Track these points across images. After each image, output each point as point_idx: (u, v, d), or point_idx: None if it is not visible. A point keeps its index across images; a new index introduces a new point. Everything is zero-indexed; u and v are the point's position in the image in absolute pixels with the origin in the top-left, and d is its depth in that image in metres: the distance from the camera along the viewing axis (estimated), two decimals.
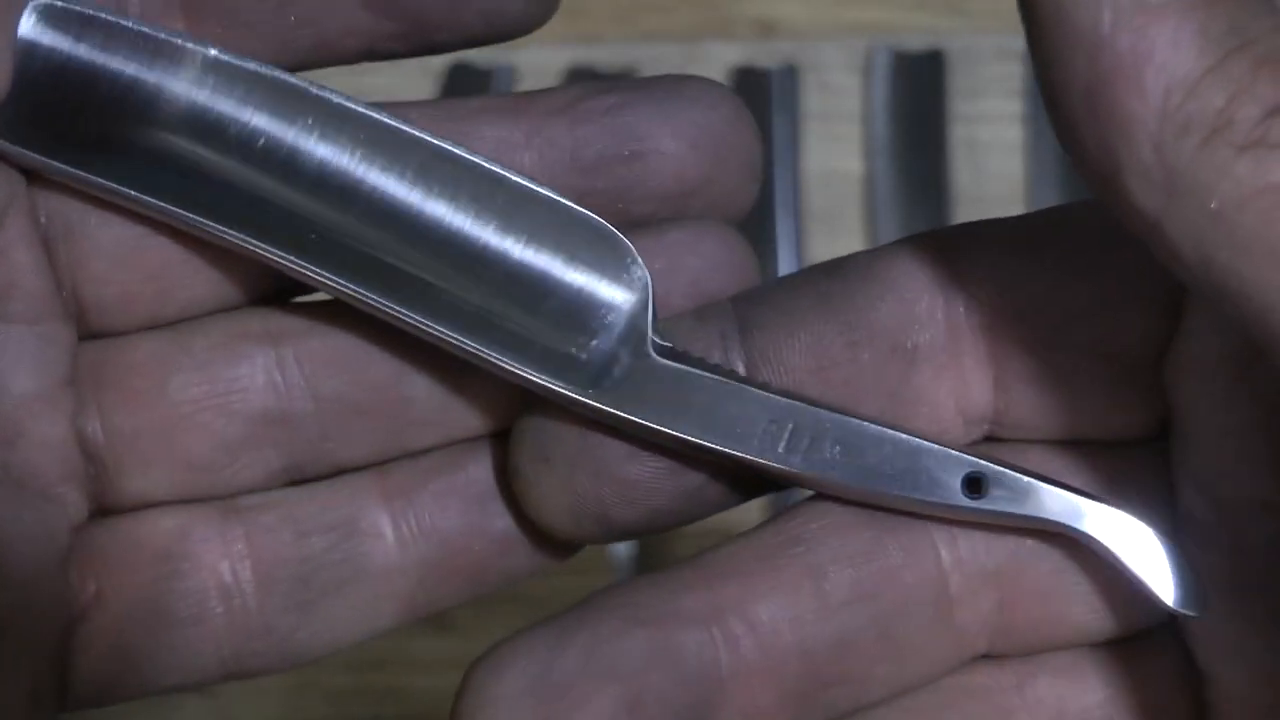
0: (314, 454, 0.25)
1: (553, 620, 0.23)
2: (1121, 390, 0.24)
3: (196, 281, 0.25)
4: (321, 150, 0.24)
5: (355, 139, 0.24)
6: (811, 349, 0.24)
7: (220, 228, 0.24)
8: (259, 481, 0.25)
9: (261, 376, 0.25)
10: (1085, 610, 0.24)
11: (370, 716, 0.52)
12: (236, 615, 0.25)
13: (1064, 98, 0.19)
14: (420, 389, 0.25)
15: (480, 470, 0.25)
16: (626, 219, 0.25)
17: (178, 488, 0.25)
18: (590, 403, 0.23)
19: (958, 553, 0.24)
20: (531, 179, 0.24)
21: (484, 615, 0.54)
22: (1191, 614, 0.23)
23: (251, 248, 0.24)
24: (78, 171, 0.24)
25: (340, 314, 0.25)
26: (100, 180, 0.24)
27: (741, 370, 0.24)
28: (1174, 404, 0.24)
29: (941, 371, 0.24)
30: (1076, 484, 0.24)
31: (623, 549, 0.51)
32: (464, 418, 0.25)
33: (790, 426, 0.23)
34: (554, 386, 0.24)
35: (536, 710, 0.22)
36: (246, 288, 0.25)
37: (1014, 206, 0.56)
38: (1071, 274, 0.23)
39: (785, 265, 0.55)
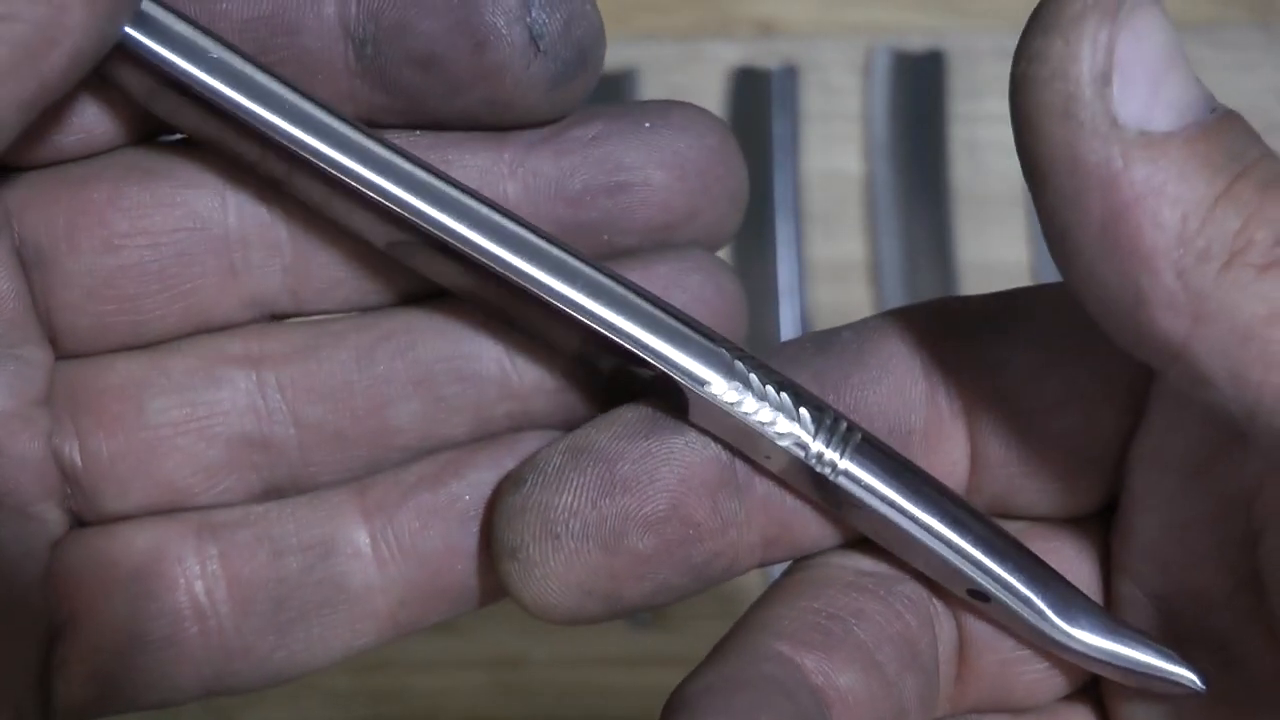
0: (295, 476, 0.25)
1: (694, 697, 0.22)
2: (1082, 474, 0.24)
3: (171, 312, 0.25)
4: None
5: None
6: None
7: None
8: (238, 502, 0.25)
9: (242, 400, 0.25)
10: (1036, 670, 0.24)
11: (370, 716, 0.52)
12: (213, 636, 0.24)
13: (1079, 236, 0.20)
14: (405, 416, 0.25)
15: (463, 487, 0.25)
16: (611, 250, 0.25)
17: (156, 509, 0.25)
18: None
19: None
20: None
21: (484, 616, 0.54)
22: (1202, 688, 0.23)
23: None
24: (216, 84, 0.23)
25: (322, 337, 0.25)
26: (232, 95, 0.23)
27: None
28: (1129, 490, 0.24)
29: (929, 452, 0.24)
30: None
31: None
32: (447, 445, 0.25)
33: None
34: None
35: None
36: (223, 317, 0.25)
37: (1014, 206, 0.56)
38: (1046, 364, 0.24)
39: (785, 265, 0.55)
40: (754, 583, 0.51)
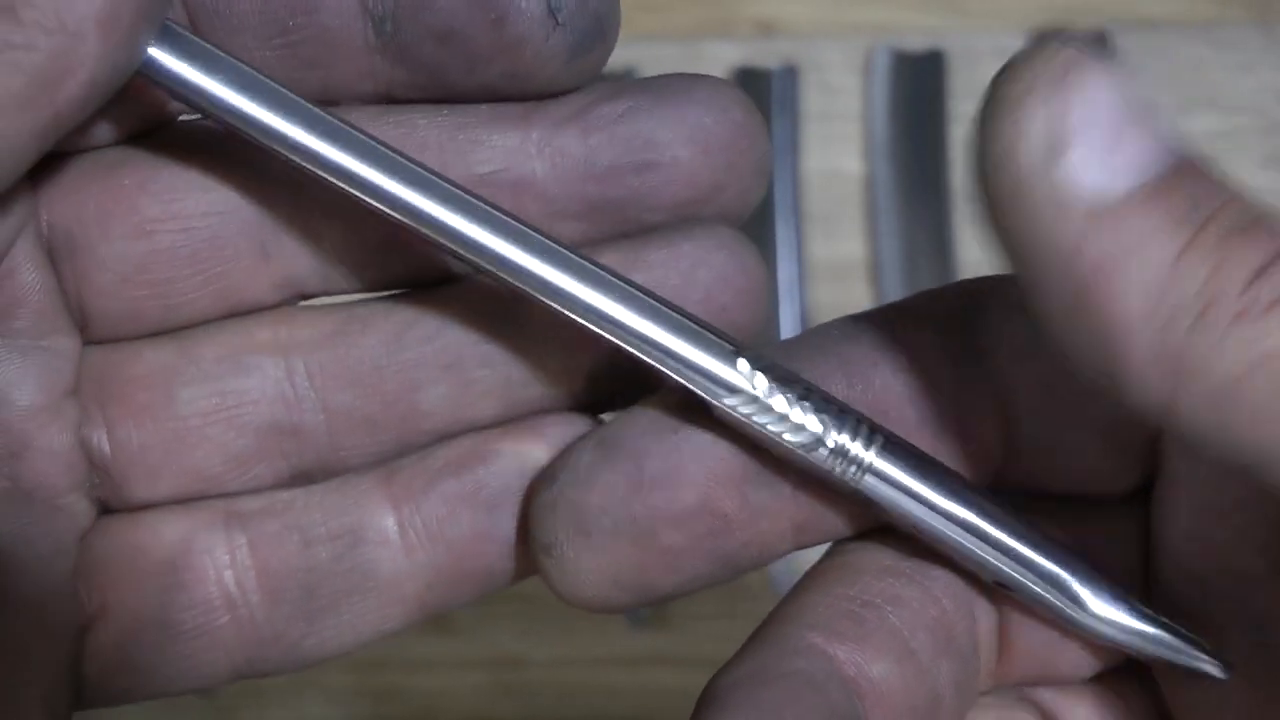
0: (323, 461, 0.25)
1: (717, 715, 0.23)
2: (1118, 455, 0.24)
3: (203, 295, 0.25)
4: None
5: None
6: (947, 399, 0.24)
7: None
8: (266, 488, 0.25)
9: (271, 388, 0.25)
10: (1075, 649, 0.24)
11: (370, 716, 0.52)
12: (244, 625, 0.25)
13: (1053, 311, 0.20)
14: (434, 400, 0.25)
15: (489, 475, 0.25)
16: (638, 225, 0.25)
17: (185, 498, 0.25)
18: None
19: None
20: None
21: (484, 616, 0.54)
22: (1224, 676, 0.24)
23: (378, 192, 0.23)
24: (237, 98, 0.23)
25: (350, 323, 0.25)
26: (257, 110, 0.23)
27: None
28: (1165, 472, 0.24)
29: (962, 434, 0.24)
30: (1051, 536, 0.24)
31: None
32: (475, 427, 0.25)
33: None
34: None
35: None
36: (253, 299, 0.25)
37: None
38: None
39: (785, 265, 0.55)
40: (756, 581, 0.51)
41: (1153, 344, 0.19)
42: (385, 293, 0.26)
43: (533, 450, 0.25)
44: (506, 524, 0.25)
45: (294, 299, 0.25)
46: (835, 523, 0.25)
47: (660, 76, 0.25)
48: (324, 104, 0.24)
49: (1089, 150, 0.19)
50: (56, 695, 0.24)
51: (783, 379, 0.23)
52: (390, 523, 0.25)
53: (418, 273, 0.25)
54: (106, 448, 0.25)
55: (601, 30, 0.24)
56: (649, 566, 0.24)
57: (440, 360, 0.25)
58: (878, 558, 0.24)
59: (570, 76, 0.24)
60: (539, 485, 0.24)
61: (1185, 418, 0.19)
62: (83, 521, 0.25)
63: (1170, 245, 0.19)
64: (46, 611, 0.24)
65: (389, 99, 0.24)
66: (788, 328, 0.54)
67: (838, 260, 0.56)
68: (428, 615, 0.25)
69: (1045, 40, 0.20)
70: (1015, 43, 0.58)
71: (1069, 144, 0.19)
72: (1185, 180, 0.19)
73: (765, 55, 0.58)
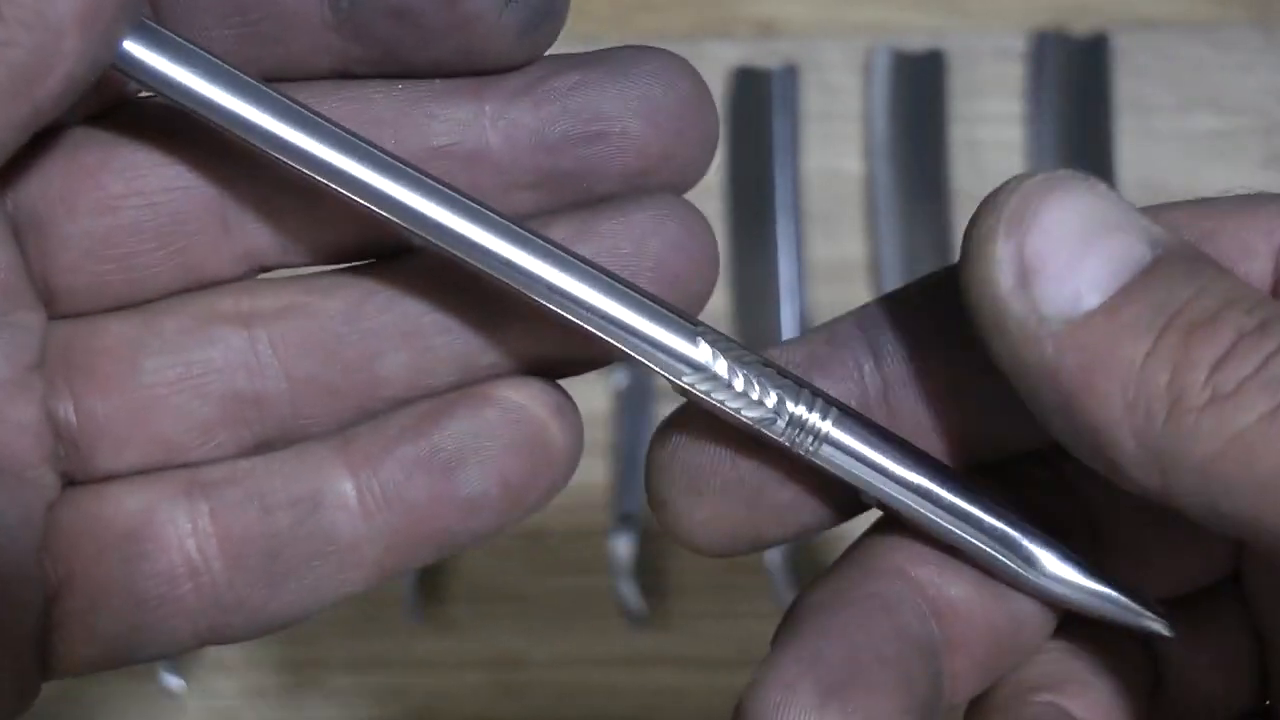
0: (286, 430, 0.26)
1: (792, 639, 0.23)
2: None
3: (166, 269, 0.25)
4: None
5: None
6: (946, 375, 0.25)
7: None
8: (229, 457, 0.26)
9: (234, 357, 0.25)
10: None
11: (370, 716, 0.52)
12: (207, 592, 0.25)
13: (1048, 417, 0.22)
14: (394, 367, 0.25)
15: (446, 438, 0.25)
16: (589, 195, 0.25)
17: (151, 467, 0.25)
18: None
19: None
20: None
21: (484, 616, 0.54)
22: (1170, 634, 0.25)
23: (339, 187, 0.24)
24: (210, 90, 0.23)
25: (311, 293, 0.25)
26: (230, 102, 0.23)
27: (874, 395, 0.25)
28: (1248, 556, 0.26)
29: (951, 416, 0.25)
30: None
31: (622, 551, 0.51)
32: (434, 394, 0.26)
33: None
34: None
35: (840, 710, 0.22)
36: (215, 272, 0.26)
37: None
38: None
39: (785, 265, 0.55)
40: (756, 581, 0.51)
41: (1137, 440, 0.21)
42: (345, 265, 0.26)
43: (486, 413, 0.25)
44: (463, 486, 0.25)
45: (255, 271, 0.26)
46: None
47: (611, 49, 0.25)
48: (281, 80, 0.24)
49: (1052, 277, 0.22)
50: (24, 667, 0.24)
51: (740, 357, 0.24)
52: (349, 487, 0.25)
53: (377, 245, 0.26)
54: (73, 419, 0.25)
55: (552, 7, 0.25)
56: (758, 521, 0.25)
57: (399, 328, 0.25)
58: None
59: (521, 52, 0.25)
60: (656, 442, 0.25)
61: (1178, 499, 0.21)
62: (49, 494, 0.25)
63: (1137, 350, 0.21)
64: (12, 584, 0.24)
65: (345, 74, 0.25)
66: (788, 328, 0.54)
67: (838, 260, 0.56)
68: (387, 576, 0.26)
69: (1010, 181, 0.22)
70: (1015, 43, 0.58)
71: (1034, 273, 0.22)
72: (1152, 282, 0.22)
73: (765, 55, 0.58)
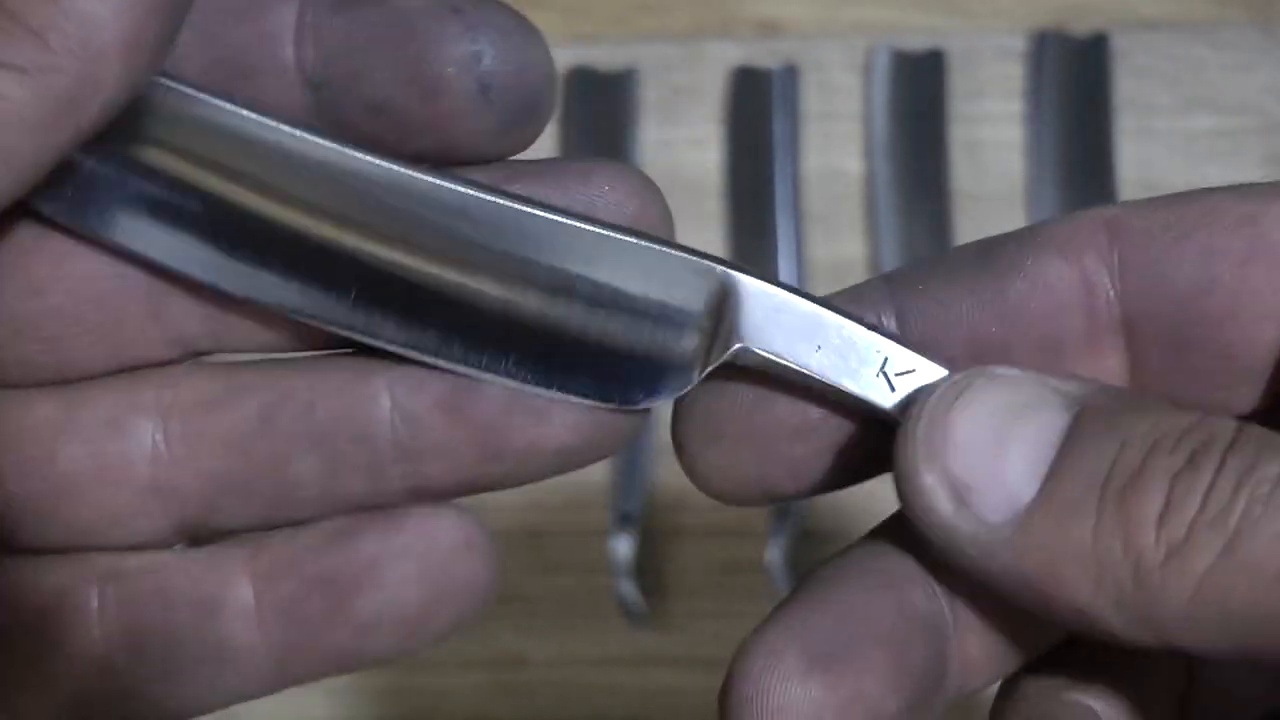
0: (201, 521, 0.26)
1: (786, 608, 0.24)
2: (1242, 385, 0.25)
3: (95, 352, 0.26)
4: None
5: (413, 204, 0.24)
6: (968, 341, 0.25)
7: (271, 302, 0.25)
8: (150, 542, 0.26)
9: (148, 450, 0.26)
10: None
11: (370, 716, 0.52)
12: (110, 679, 0.26)
13: (1040, 614, 0.23)
14: (306, 471, 0.26)
15: (346, 561, 0.26)
16: None
17: (73, 547, 0.26)
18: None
19: None
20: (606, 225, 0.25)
21: (484, 616, 0.54)
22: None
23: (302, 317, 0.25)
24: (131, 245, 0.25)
25: (231, 389, 0.26)
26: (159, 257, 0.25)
27: None
28: None
29: (1087, 361, 0.25)
30: None
31: (622, 551, 0.51)
32: (348, 500, 0.26)
33: None
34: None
35: (824, 682, 0.23)
36: (145, 356, 0.26)
37: (1014, 207, 0.56)
38: (1212, 278, 0.24)
39: (785, 265, 0.55)
40: (756, 581, 0.51)
41: (1117, 610, 0.22)
42: (280, 355, 0.26)
43: (392, 542, 0.26)
44: (358, 611, 0.26)
45: (189, 357, 0.26)
46: None
47: (566, 159, 0.26)
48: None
49: (984, 489, 0.22)
50: None
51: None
52: (249, 596, 0.26)
53: (304, 342, 0.26)
54: None
55: (534, 106, 0.25)
56: (773, 472, 0.25)
57: (310, 434, 0.25)
58: None
59: (501, 148, 0.25)
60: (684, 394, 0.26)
61: (1182, 645, 0.22)
62: None
63: (1084, 529, 0.22)
64: None
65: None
66: None
67: (838, 260, 0.56)
68: (288, 684, 0.26)
69: (910, 399, 0.23)
70: (1015, 43, 0.58)
71: (967, 490, 0.22)
72: (1075, 451, 0.22)
73: (765, 55, 0.58)
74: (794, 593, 0.24)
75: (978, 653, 0.24)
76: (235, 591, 0.26)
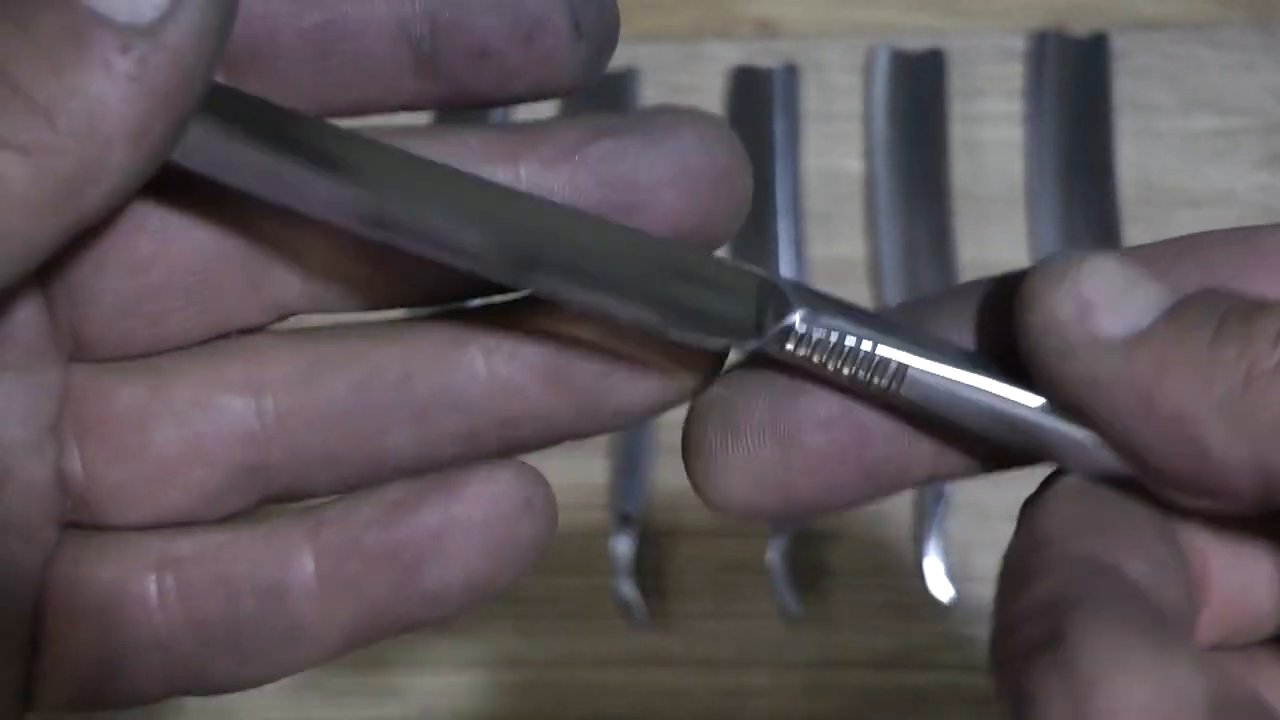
0: (288, 492, 0.26)
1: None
2: None
3: (196, 324, 0.26)
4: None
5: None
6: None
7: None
8: (235, 514, 0.26)
9: (242, 428, 0.25)
10: None
11: (370, 716, 0.52)
12: (175, 663, 0.26)
13: (1134, 436, 0.23)
14: (405, 440, 0.26)
15: (410, 534, 0.26)
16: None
17: (162, 524, 0.26)
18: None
19: None
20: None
21: (484, 616, 0.54)
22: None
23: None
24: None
25: (322, 366, 0.26)
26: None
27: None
28: None
29: None
30: None
31: (622, 551, 0.51)
32: (440, 464, 0.26)
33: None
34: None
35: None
36: (241, 322, 0.26)
37: (1014, 206, 0.56)
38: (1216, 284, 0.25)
39: (785, 265, 0.55)
40: (755, 581, 0.51)
41: (1220, 413, 0.22)
42: (368, 315, 0.26)
43: (454, 509, 0.26)
44: (424, 582, 0.26)
45: (283, 318, 0.26)
46: (973, 457, 0.25)
47: (649, 112, 0.26)
48: (354, 115, 0.25)
49: (1109, 306, 0.23)
50: (6, 709, 0.25)
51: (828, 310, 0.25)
52: (313, 576, 0.26)
53: (404, 296, 0.26)
54: (83, 479, 0.25)
55: (614, 36, 0.25)
56: (792, 468, 0.25)
57: (408, 408, 0.26)
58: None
59: (587, 81, 0.25)
60: (698, 399, 0.26)
61: (1271, 465, 0.22)
62: (49, 551, 0.25)
63: (1202, 337, 0.22)
64: (5, 635, 0.24)
65: (414, 109, 0.25)
66: None
67: (837, 260, 0.56)
68: (345, 655, 0.26)
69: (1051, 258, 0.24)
70: (1015, 43, 0.58)
71: (1092, 305, 0.23)
72: (1194, 299, 0.23)
73: (765, 55, 0.58)
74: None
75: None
76: (299, 573, 0.26)
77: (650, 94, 0.57)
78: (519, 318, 0.26)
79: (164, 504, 0.26)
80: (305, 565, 0.26)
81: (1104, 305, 0.23)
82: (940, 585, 0.50)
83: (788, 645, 0.50)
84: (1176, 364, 0.22)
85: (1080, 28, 0.58)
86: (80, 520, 0.26)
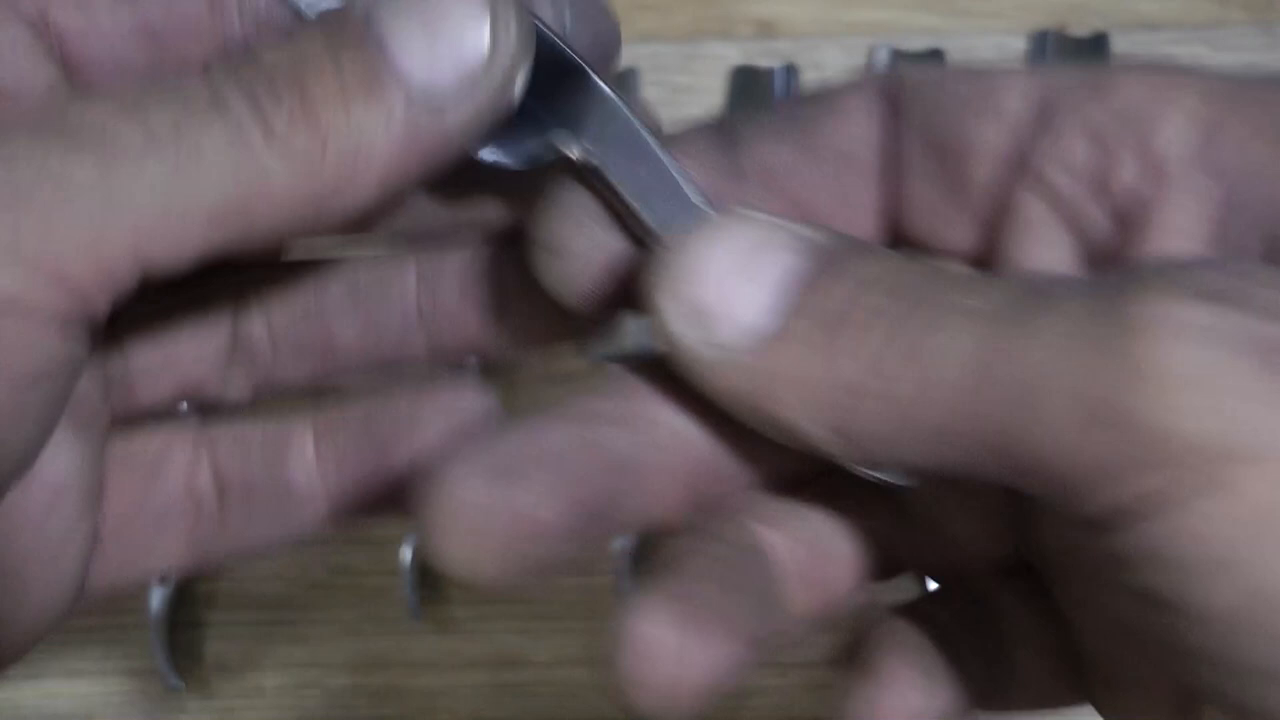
0: (268, 380, 0.31)
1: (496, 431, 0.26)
2: (962, 224, 0.28)
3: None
4: None
5: None
6: (787, 161, 0.27)
7: None
8: (233, 402, 0.31)
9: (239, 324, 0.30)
10: None
11: (370, 717, 0.52)
12: (203, 518, 0.30)
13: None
14: (351, 334, 0.30)
15: (390, 417, 0.30)
16: None
17: (180, 395, 0.31)
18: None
19: None
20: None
21: (484, 616, 0.54)
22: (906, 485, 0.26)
23: None
24: None
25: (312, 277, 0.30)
26: None
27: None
28: None
29: (873, 183, 0.28)
30: None
31: (621, 552, 0.51)
32: (381, 359, 0.30)
33: None
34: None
35: (490, 486, 0.24)
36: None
37: None
38: (958, 125, 0.27)
39: None
40: None
41: (830, 431, 0.23)
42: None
43: (428, 402, 0.30)
44: (396, 459, 0.30)
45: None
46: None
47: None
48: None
49: (719, 314, 0.23)
50: (69, 590, 0.28)
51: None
52: (310, 447, 0.30)
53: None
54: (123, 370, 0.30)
55: (606, 62, 0.28)
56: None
57: (355, 307, 0.30)
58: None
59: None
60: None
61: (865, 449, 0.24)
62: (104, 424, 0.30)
63: (802, 360, 0.23)
64: (70, 534, 0.28)
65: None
66: None
67: None
68: (331, 529, 0.30)
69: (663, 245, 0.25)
70: (1015, 43, 0.58)
71: (704, 315, 0.24)
72: (806, 291, 0.23)
73: (765, 55, 0.58)
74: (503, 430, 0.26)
75: (675, 495, 0.26)
76: (300, 442, 0.30)
77: (650, 94, 0.57)
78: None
79: (180, 374, 0.30)
80: (306, 437, 0.30)
81: (715, 313, 0.24)
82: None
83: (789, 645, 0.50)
84: (784, 384, 0.23)
85: (1080, 28, 0.58)
86: (117, 408, 0.30)
